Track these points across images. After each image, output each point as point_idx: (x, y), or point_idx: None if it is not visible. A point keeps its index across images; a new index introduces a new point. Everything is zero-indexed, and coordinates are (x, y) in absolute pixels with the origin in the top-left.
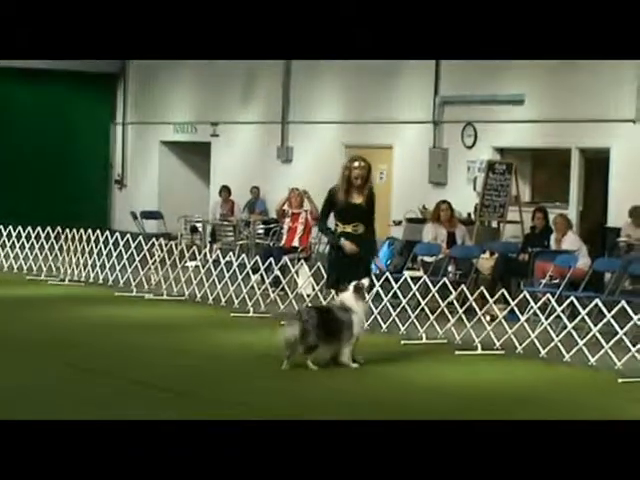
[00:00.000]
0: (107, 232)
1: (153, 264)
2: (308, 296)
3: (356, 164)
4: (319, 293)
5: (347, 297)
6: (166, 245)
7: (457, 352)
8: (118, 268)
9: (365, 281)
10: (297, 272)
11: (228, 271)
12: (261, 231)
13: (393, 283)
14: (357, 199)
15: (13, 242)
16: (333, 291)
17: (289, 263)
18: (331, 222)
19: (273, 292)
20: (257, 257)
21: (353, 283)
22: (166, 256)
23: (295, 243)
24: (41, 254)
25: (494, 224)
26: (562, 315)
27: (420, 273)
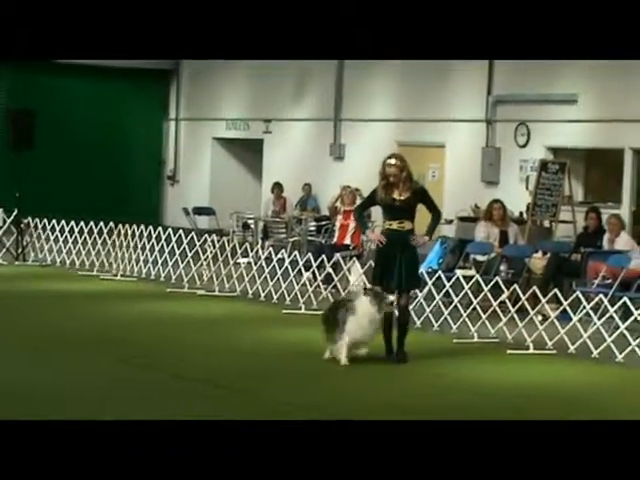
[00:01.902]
0: (159, 228)
1: (205, 260)
2: None
3: (390, 161)
4: None
5: (362, 298)
6: (218, 241)
7: (509, 351)
8: (170, 264)
9: (391, 297)
10: (349, 269)
11: (280, 268)
12: (313, 228)
13: (445, 282)
14: (398, 195)
15: (66, 237)
16: (378, 287)
17: (341, 260)
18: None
19: (325, 289)
20: (309, 254)
21: (377, 288)
22: (218, 252)
23: (347, 240)
24: (93, 249)
25: (546, 224)
26: (615, 315)
27: (472, 272)
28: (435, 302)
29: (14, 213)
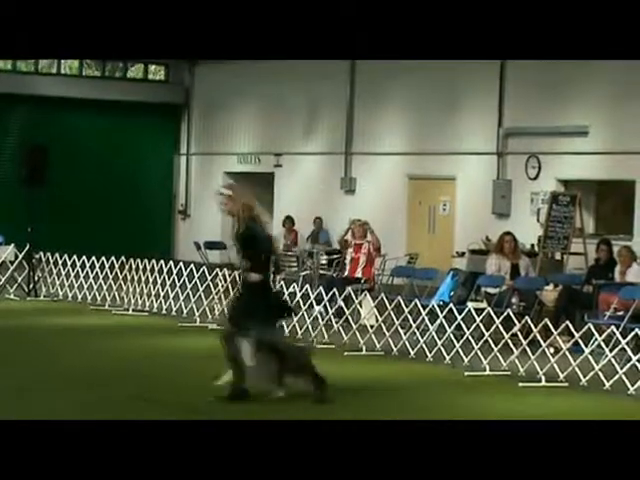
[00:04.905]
0: (171, 262)
1: (217, 294)
2: (371, 327)
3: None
4: (382, 324)
5: None
6: (229, 275)
7: (520, 384)
8: (182, 298)
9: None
10: (360, 303)
11: (291, 302)
12: (324, 262)
13: (457, 314)
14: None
15: (77, 271)
16: None
17: (352, 294)
18: None
19: (336, 323)
20: (320, 288)
21: None
22: (229, 286)
23: (358, 274)
24: (105, 284)
25: (558, 256)
26: (627, 347)
27: (484, 305)
28: (446, 335)
29: (26, 248)
